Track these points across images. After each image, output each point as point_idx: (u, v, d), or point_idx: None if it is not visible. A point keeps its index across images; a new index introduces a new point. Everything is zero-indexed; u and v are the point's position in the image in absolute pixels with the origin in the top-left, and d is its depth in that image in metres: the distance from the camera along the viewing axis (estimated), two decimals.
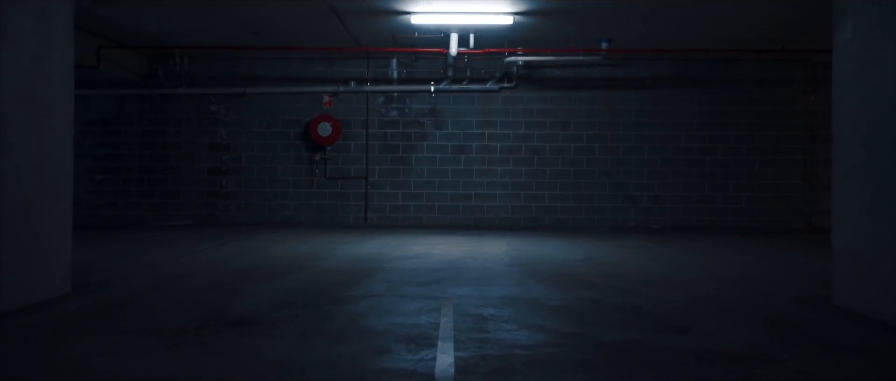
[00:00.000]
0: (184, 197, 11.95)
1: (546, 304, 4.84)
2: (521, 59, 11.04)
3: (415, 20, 9.08)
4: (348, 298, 4.97)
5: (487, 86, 11.67)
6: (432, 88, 11.67)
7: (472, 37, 10.15)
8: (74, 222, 11.19)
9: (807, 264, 7.43)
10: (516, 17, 8.95)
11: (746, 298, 5.20)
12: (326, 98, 11.84)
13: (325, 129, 11.59)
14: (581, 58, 10.87)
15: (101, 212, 11.90)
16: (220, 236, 9.50)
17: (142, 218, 11.88)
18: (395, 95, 11.87)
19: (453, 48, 10.21)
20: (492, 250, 8.11)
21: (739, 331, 4.11)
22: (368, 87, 11.80)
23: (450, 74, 11.46)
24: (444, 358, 3.47)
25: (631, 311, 4.63)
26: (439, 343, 3.73)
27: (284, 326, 4.11)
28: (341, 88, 11.74)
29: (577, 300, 4.98)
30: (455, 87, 11.65)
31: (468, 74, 11.61)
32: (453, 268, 6.56)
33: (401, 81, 11.84)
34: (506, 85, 11.67)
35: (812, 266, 7.24)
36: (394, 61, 11.76)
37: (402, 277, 5.99)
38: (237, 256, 7.29)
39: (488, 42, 10.49)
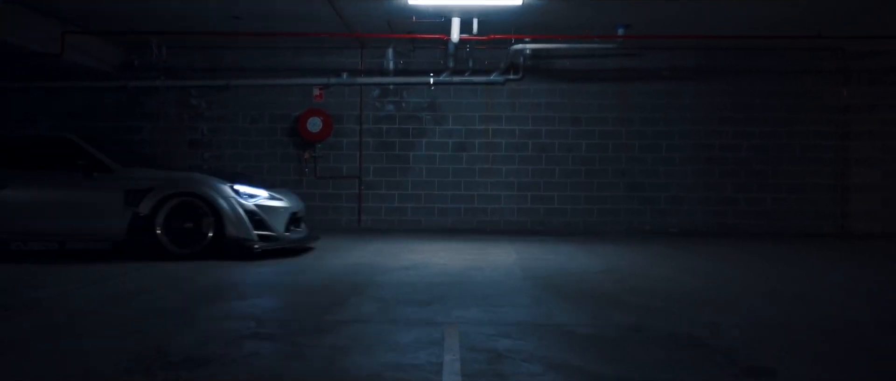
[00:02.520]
0: None
1: (574, 332, 3.90)
2: (528, 47, 10.09)
3: (412, 1, 8.14)
4: (329, 324, 4.03)
5: (491, 77, 10.73)
6: (432, 80, 10.72)
7: (475, 22, 9.20)
8: None
9: (859, 275, 6.50)
10: None
11: (817, 323, 4.26)
12: (317, 91, 10.90)
13: (314, 124, 10.64)
14: (595, 45, 9.92)
15: None
16: None
17: None
18: (392, 87, 10.93)
19: (455, 34, 9.26)
20: (499, 258, 7.17)
21: (837, 376, 3.17)
22: (362, 78, 10.85)
23: (451, 64, 10.52)
24: None
25: (683, 342, 3.69)
26: None
27: (240, 368, 3.17)
28: (333, 80, 10.80)
29: (613, 327, 4.04)
30: (456, 78, 10.71)
31: (470, 64, 10.65)
32: (457, 282, 5.62)
33: (397, 72, 10.90)
34: (511, 77, 10.73)
35: (869, 279, 6.31)
36: (390, 51, 10.81)
37: (397, 294, 5.05)
38: (206, 267, 6.34)
39: (493, 28, 9.54)
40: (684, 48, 10.63)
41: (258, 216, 6.85)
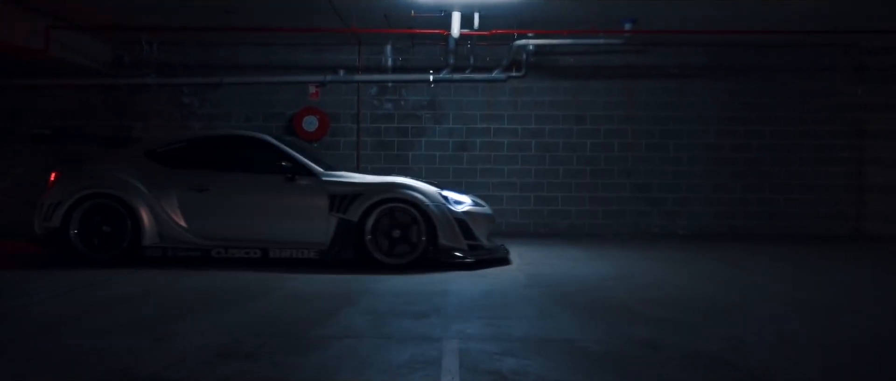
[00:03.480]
0: None
1: (586, 349, 3.54)
2: (532, 42, 9.73)
3: None
4: (316, 340, 3.67)
5: (493, 75, 10.37)
6: (431, 78, 10.37)
7: (476, 16, 8.85)
8: (31, 229, 9.84)
9: (883, 282, 6.15)
10: None
11: (850, 338, 3.90)
12: (313, 89, 10.54)
13: (310, 123, 10.30)
14: (601, 41, 9.56)
15: None
16: None
17: None
18: (390, 85, 10.57)
19: (455, 29, 8.90)
20: (502, 263, 6.80)
21: None
22: (360, 76, 10.50)
23: (451, 61, 10.18)
24: None
25: (707, 362, 3.33)
26: None
27: None
28: (329, 78, 10.45)
29: (628, 343, 3.67)
30: (457, 76, 10.35)
31: (471, 61, 10.31)
32: (456, 290, 5.26)
33: (396, 69, 10.55)
34: (514, 74, 10.37)
35: (893, 284, 5.95)
36: (388, 47, 10.47)
37: (392, 304, 4.69)
38: (191, 275, 5.98)
39: (495, 23, 9.17)
40: (693, 44, 10.28)
41: (466, 224, 6.41)
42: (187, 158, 6.76)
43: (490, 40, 9.85)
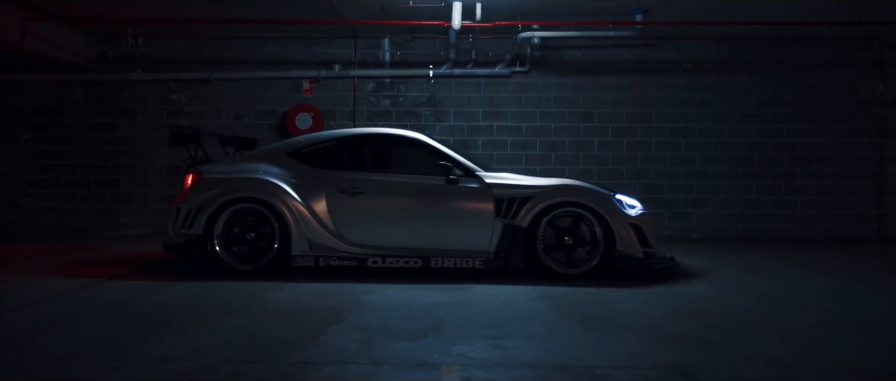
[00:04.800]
0: (139, 201, 10.15)
1: (607, 378, 3.03)
2: (537, 35, 9.22)
3: None
4: (295, 366, 3.17)
5: (496, 70, 9.88)
6: (431, 73, 9.88)
7: (478, 7, 8.34)
8: (11, 231, 9.35)
9: None
10: None
11: None
12: (306, 85, 10.05)
13: (304, 121, 9.81)
14: (610, 33, 9.05)
15: (41, 219, 10.10)
16: None
17: (89, 226, 10.09)
18: (387, 80, 10.08)
19: (456, 20, 8.41)
20: (507, 271, 6.29)
21: None
22: (356, 71, 10.01)
23: (451, 55, 9.69)
24: None
25: None
26: None
27: None
28: (324, 73, 9.96)
29: (656, 371, 3.17)
30: (458, 71, 9.86)
31: (473, 56, 9.82)
32: (458, 303, 4.76)
33: (394, 64, 10.06)
34: (518, 69, 9.88)
35: None
36: (386, 41, 9.99)
37: (385, 320, 4.19)
38: (166, 286, 5.48)
39: (498, 13, 8.67)
40: (707, 38, 9.78)
41: (641, 230, 5.81)
42: (336, 159, 6.15)
43: (493, 33, 9.36)
